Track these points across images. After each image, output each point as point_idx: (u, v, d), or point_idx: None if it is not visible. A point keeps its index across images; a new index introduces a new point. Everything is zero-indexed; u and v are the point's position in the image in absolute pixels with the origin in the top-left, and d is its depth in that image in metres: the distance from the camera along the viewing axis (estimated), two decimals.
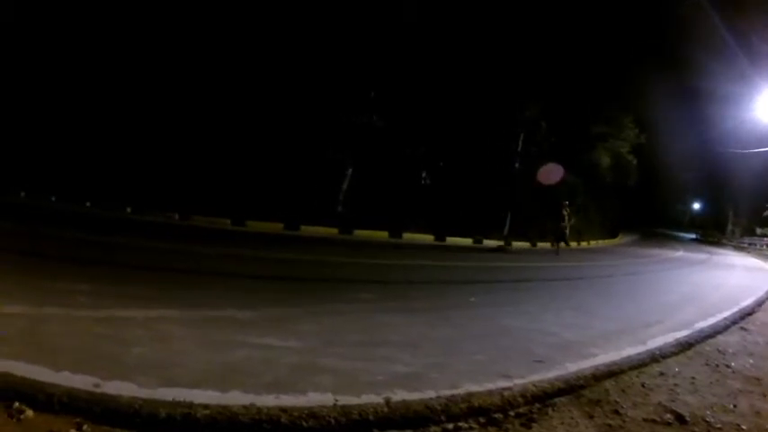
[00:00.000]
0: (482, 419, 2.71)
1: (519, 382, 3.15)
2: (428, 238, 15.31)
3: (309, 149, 15.61)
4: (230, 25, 14.42)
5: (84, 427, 2.13)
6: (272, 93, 14.99)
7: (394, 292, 6.06)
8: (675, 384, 3.66)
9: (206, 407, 2.29)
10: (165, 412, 2.23)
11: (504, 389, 3.00)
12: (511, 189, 20.61)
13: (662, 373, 3.89)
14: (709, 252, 27.25)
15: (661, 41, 28.07)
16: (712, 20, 21.09)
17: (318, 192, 15.90)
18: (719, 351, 4.76)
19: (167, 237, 9.96)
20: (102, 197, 13.72)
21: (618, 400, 3.24)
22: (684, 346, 4.69)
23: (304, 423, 2.30)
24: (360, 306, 5.11)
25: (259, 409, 2.33)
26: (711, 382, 3.82)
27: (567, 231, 16.92)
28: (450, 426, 2.59)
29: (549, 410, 2.96)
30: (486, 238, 16.93)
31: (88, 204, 14.07)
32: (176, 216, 12.87)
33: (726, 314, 6.59)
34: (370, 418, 2.43)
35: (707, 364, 4.30)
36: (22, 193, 14.90)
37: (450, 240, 15.59)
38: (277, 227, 13.27)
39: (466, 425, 2.63)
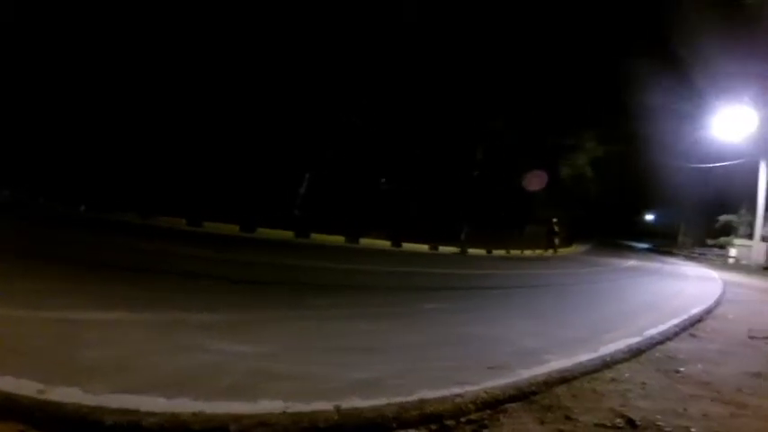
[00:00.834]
0: (434, 426, 2.73)
1: (471, 388, 3.18)
2: (385, 244, 15.33)
3: (269, 152, 15.44)
4: (182, 21, 14.08)
5: None
6: (234, 95, 14.77)
7: (353, 298, 6.02)
8: (627, 389, 3.74)
9: (154, 414, 2.25)
10: (112, 420, 2.18)
11: (457, 395, 3.04)
12: (469, 197, 20.91)
13: (613, 379, 3.97)
14: (661, 261, 27.88)
15: (622, 59, 28.99)
16: (671, 40, 21.94)
17: (276, 195, 15.76)
18: (670, 357, 4.89)
19: (125, 235, 9.72)
20: (57, 195, 13.26)
21: (569, 405, 3.30)
22: (636, 353, 4.80)
23: (253, 431, 2.29)
24: (318, 311, 5.04)
25: (208, 417, 2.30)
26: (662, 387, 3.91)
27: (557, 241, 22.62)
28: None
29: (501, 417, 3.01)
30: (443, 245, 17.06)
31: (41, 200, 13.60)
32: (134, 215, 12.52)
33: (676, 321, 6.73)
34: (320, 425, 2.43)
35: (657, 370, 4.40)
36: None
37: (407, 246, 15.66)
38: (233, 228, 13.10)
39: None
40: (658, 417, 3.28)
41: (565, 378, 3.78)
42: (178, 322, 4.01)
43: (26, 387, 2.37)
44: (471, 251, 17.91)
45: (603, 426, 3.06)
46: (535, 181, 27.92)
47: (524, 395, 3.35)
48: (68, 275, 5.33)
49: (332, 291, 6.31)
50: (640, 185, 46.90)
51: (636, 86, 28.86)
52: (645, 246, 51.35)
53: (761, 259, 25.86)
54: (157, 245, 8.66)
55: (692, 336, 6.16)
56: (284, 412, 2.48)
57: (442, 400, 2.96)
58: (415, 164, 20.21)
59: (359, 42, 16.11)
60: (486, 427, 2.85)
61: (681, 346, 5.48)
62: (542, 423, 3.01)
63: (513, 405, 3.20)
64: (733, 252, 31.52)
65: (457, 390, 3.14)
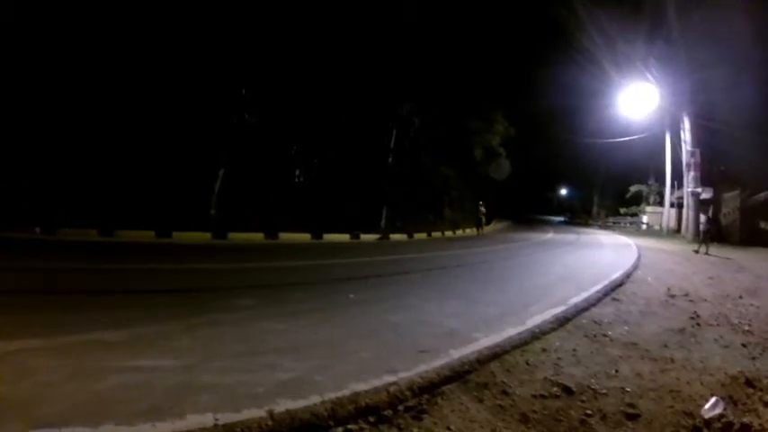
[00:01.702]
0: (372, 418, 2.68)
1: (404, 375, 3.15)
2: (305, 237, 15.09)
3: (178, 150, 14.69)
4: (84, 20, 13.08)
5: None
6: (136, 92, 13.90)
7: (273, 297, 5.78)
8: (558, 358, 3.85)
9: None
10: None
11: (391, 384, 2.99)
12: (385, 184, 21.14)
13: (544, 350, 4.08)
14: (577, 233, 28.96)
15: (533, 40, 30.30)
16: (582, 21, 23.12)
17: (190, 195, 15.02)
18: (596, 322, 5.11)
19: (27, 254, 8.83)
20: None
21: (505, 380, 3.35)
22: (562, 321, 4.98)
23: None
24: (238, 314, 4.82)
25: None
26: (592, 352, 4.07)
27: (483, 220, 24.01)
28: (340, 429, 2.54)
29: (439, 400, 3.00)
30: (364, 233, 17.11)
31: None
32: (38, 230, 11.45)
33: (598, 287, 7.07)
34: None
35: (585, 336, 4.58)
36: None
37: (328, 237, 15.51)
38: (148, 235, 12.37)
39: (356, 426, 2.59)
40: (592, 381, 3.41)
41: (496, 354, 3.83)
42: (93, 343, 3.68)
43: None
44: (393, 237, 18.04)
45: (541, 396, 3.13)
46: (499, 170, 31.00)
47: (459, 375, 3.36)
48: None
49: (252, 291, 6.04)
50: (553, 162, 49.44)
51: (543, 66, 30.35)
52: (561, 219, 54.29)
53: (671, 224, 27.78)
54: (63, 262, 7.91)
55: (615, 300, 6.47)
56: (216, 425, 2.34)
57: (377, 390, 2.90)
58: (329, 154, 20.01)
59: (273, 33, 15.67)
60: (425, 411, 2.82)
61: (605, 310, 5.74)
62: (480, 401, 3.02)
63: (450, 386, 3.21)
64: (645, 219, 33.85)
65: (390, 378, 3.09)
